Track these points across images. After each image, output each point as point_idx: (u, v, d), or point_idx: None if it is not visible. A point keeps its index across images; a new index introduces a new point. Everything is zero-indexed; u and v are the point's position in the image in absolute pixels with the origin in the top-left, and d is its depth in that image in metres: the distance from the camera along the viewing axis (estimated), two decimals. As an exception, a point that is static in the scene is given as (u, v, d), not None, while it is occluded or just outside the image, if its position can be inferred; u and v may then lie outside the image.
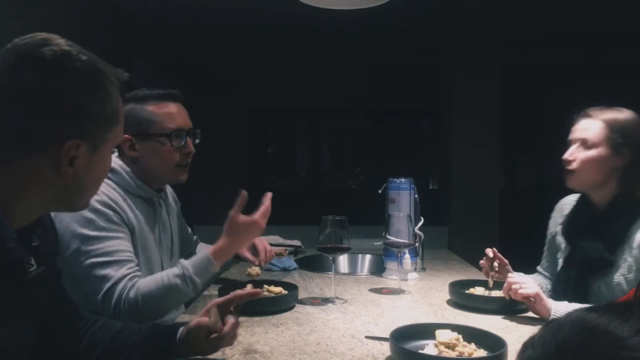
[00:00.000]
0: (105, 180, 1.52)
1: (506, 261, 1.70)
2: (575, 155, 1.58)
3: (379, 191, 2.10)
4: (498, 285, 1.69)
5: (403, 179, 2.05)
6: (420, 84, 5.90)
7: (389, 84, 6.24)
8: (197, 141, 1.70)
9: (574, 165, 1.58)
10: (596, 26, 4.94)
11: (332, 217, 1.66)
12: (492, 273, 1.67)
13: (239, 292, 1.16)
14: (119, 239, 1.43)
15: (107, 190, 1.49)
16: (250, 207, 2.01)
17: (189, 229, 2.05)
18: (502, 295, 1.62)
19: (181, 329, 1.11)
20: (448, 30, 4.19)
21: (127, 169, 1.58)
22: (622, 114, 1.57)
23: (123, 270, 1.38)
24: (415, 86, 6.06)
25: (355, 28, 4.70)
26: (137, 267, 1.44)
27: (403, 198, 2.03)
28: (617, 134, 1.53)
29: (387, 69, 6.22)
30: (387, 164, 6.56)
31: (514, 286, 1.47)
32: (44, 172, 0.83)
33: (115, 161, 1.57)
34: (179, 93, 1.65)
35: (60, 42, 0.85)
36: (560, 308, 1.41)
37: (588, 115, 1.59)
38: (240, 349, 1.20)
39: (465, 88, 4.02)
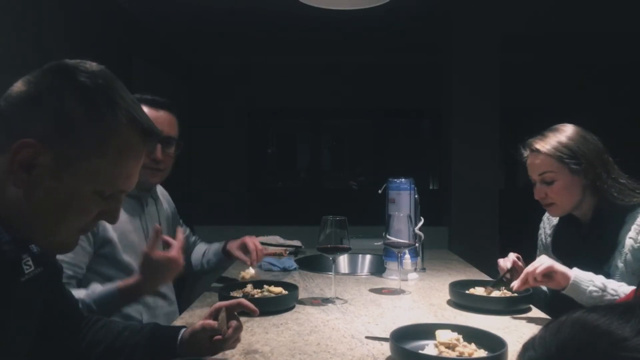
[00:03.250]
0: None
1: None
2: (543, 192, 1.63)
3: (379, 191, 2.10)
4: (490, 285, 1.70)
5: (403, 179, 2.05)
6: (420, 84, 5.90)
7: (389, 84, 6.24)
8: (177, 152, 1.70)
9: (548, 201, 1.64)
10: (596, 26, 4.94)
11: (332, 217, 1.66)
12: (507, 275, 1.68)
13: (244, 300, 1.17)
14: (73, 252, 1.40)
15: None
16: (250, 208, 2.04)
17: (188, 229, 2.06)
18: (502, 295, 1.63)
19: (183, 330, 1.11)
20: (448, 30, 4.18)
21: None
22: (564, 135, 1.59)
23: None
24: (415, 86, 6.06)
25: (355, 28, 4.70)
26: (66, 281, 1.36)
27: (403, 198, 2.03)
28: (569, 159, 1.56)
29: (387, 69, 6.22)
30: (387, 164, 6.56)
31: (530, 269, 1.46)
32: (3, 174, 0.78)
33: None
34: (165, 101, 1.67)
35: (95, 67, 0.84)
36: (582, 274, 1.43)
37: (534, 150, 1.62)
38: (240, 349, 1.20)
39: (465, 88, 4.02)
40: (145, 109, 1.59)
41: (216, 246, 2.03)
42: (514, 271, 1.68)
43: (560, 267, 1.45)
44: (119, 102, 0.83)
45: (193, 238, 2.09)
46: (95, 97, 0.81)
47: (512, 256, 1.71)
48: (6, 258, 0.79)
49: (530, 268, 1.47)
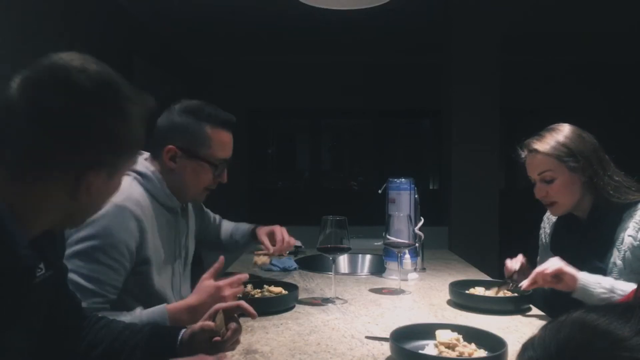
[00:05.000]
0: (139, 185, 1.49)
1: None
2: (544, 191, 1.64)
3: (379, 191, 2.10)
4: (497, 285, 1.70)
5: (403, 179, 2.05)
6: (420, 84, 5.90)
7: (388, 84, 6.24)
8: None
9: (549, 199, 1.65)
10: (596, 26, 4.94)
11: (332, 217, 1.66)
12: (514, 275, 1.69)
13: (243, 302, 1.16)
14: (111, 269, 1.34)
15: (135, 205, 1.41)
16: (250, 208, 2.07)
17: (217, 217, 2.06)
18: (502, 295, 1.63)
19: (183, 330, 1.11)
20: (448, 30, 4.18)
21: (160, 177, 1.52)
22: (561, 135, 1.61)
23: (84, 303, 1.29)
24: (415, 86, 6.06)
25: (356, 28, 4.70)
26: (104, 305, 1.34)
27: (403, 198, 2.03)
28: (567, 158, 1.58)
29: (387, 69, 6.21)
30: (387, 164, 6.56)
31: (540, 270, 1.47)
32: (60, 194, 0.85)
33: (148, 167, 1.52)
34: (236, 122, 1.62)
35: (97, 68, 0.87)
36: (589, 277, 1.44)
37: (532, 150, 1.64)
38: (240, 349, 1.20)
39: (465, 88, 4.02)
40: (219, 129, 1.55)
41: (244, 228, 2.03)
42: (521, 273, 1.69)
43: (569, 269, 1.46)
44: (133, 99, 0.91)
45: (215, 217, 2.07)
46: (122, 106, 0.88)
47: (520, 258, 1.73)
48: (23, 263, 0.81)
49: (540, 269, 1.48)
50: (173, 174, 1.53)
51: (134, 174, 1.50)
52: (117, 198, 1.32)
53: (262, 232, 1.94)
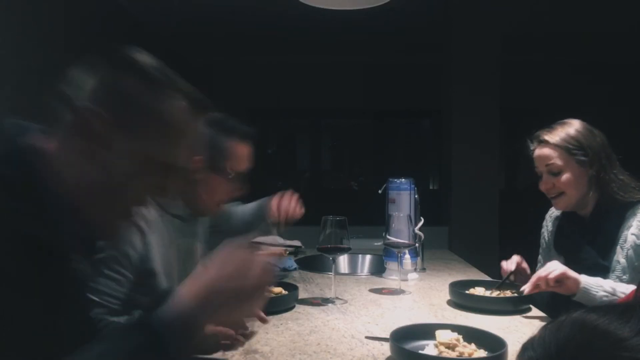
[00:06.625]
0: None
1: (527, 272, 1.71)
2: (550, 183, 1.64)
3: (379, 191, 2.10)
4: (496, 286, 1.70)
5: (403, 179, 2.05)
6: (420, 84, 5.89)
7: (389, 84, 6.24)
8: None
9: (555, 191, 1.65)
10: (596, 26, 4.94)
11: (332, 217, 1.66)
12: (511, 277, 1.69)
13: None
14: (112, 281, 1.33)
15: (140, 218, 1.36)
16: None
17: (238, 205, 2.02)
18: (502, 295, 1.63)
19: None
20: (448, 30, 4.18)
21: None
22: (572, 129, 1.62)
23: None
24: (415, 86, 6.05)
25: (355, 28, 4.70)
26: (106, 315, 1.32)
27: (403, 198, 2.03)
28: (577, 151, 1.59)
29: (387, 69, 6.21)
30: (387, 164, 6.56)
31: (542, 274, 1.47)
32: (81, 148, 0.81)
33: None
34: (250, 131, 1.64)
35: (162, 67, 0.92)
36: (590, 280, 1.44)
37: (543, 142, 1.64)
38: (240, 349, 1.20)
39: (465, 88, 4.02)
40: (239, 143, 1.56)
41: (254, 205, 2.03)
42: (518, 273, 1.69)
43: (572, 273, 1.45)
44: (177, 86, 0.91)
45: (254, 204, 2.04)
46: (156, 81, 0.90)
47: (515, 258, 1.73)
48: (64, 239, 0.78)
49: (542, 273, 1.47)
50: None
51: None
52: None
53: (274, 200, 1.94)
